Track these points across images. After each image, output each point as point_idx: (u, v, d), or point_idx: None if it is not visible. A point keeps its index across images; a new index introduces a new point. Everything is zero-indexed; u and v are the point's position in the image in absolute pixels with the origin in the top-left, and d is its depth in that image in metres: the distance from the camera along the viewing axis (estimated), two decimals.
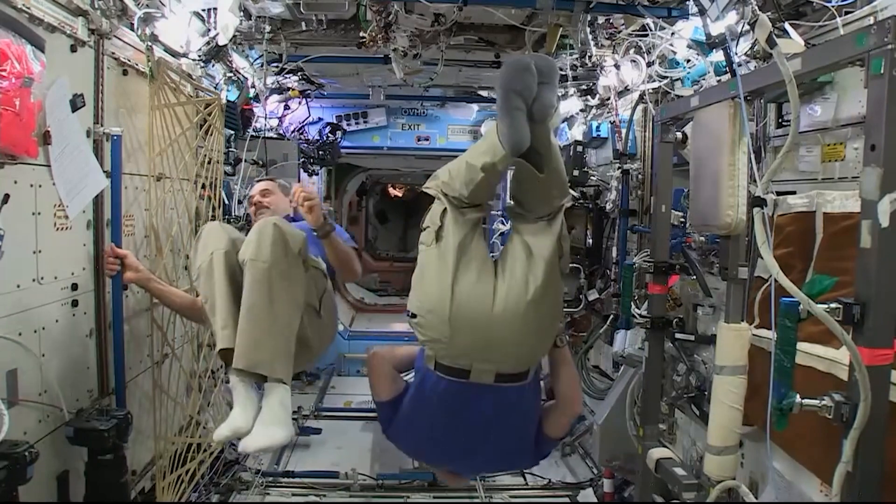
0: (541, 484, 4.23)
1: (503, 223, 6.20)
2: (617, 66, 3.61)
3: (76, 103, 2.30)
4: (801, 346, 1.58)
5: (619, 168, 3.93)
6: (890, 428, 1.41)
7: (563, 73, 3.90)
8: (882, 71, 1.34)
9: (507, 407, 2.16)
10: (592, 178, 4.47)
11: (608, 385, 4.25)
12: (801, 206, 2.18)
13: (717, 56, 2.74)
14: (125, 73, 2.80)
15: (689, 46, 3.04)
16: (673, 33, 3.07)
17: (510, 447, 2.28)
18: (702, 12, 2.44)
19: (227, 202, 4.19)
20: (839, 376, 1.75)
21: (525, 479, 4.29)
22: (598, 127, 4.37)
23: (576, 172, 4.39)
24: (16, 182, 2.03)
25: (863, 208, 1.39)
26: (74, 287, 2.42)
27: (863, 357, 1.37)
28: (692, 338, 2.84)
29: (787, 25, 2.12)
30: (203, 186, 3.62)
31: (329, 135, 5.91)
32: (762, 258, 1.65)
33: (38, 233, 2.17)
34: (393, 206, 12.10)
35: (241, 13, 3.24)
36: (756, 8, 1.87)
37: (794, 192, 2.30)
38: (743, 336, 2.05)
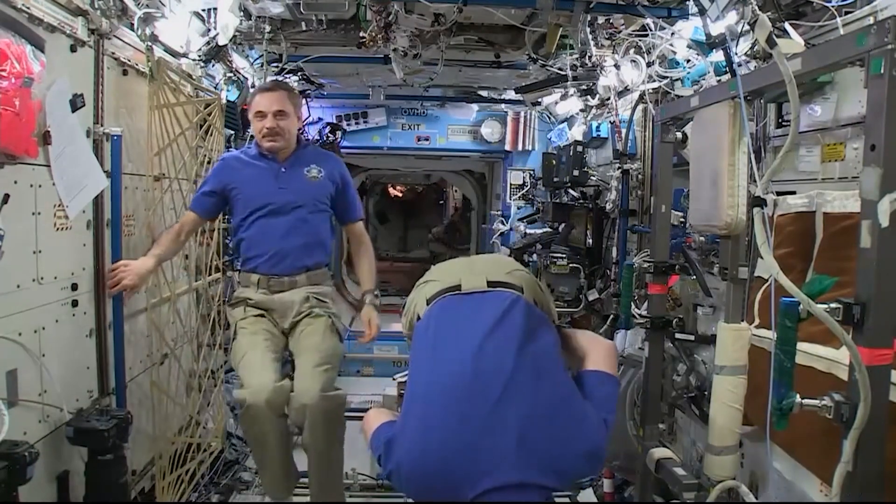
0: None
1: (503, 223, 6.21)
2: (617, 66, 3.61)
3: (76, 103, 2.30)
4: (801, 346, 1.58)
5: (619, 168, 3.93)
6: (890, 428, 1.41)
7: (563, 73, 3.91)
8: (882, 71, 1.34)
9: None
10: (592, 178, 4.47)
11: None
12: (801, 206, 2.18)
13: (717, 56, 2.74)
14: (125, 73, 2.80)
15: (689, 46, 3.04)
16: (673, 33, 3.07)
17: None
18: (702, 12, 2.44)
19: None
20: (839, 376, 1.75)
21: None
22: (598, 127, 4.36)
23: (576, 172, 4.39)
24: (16, 182, 2.03)
25: (863, 208, 1.39)
26: (74, 287, 2.42)
27: (863, 357, 1.37)
28: (692, 338, 2.84)
29: (787, 25, 2.12)
30: None
31: (329, 135, 5.91)
32: (762, 258, 1.65)
33: (38, 233, 2.17)
34: (393, 206, 12.11)
35: (241, 13, 3.25)
36: (756, 8, 1.86)
37: (794, 192, 2.30)
38: (743, 336, 2.05)
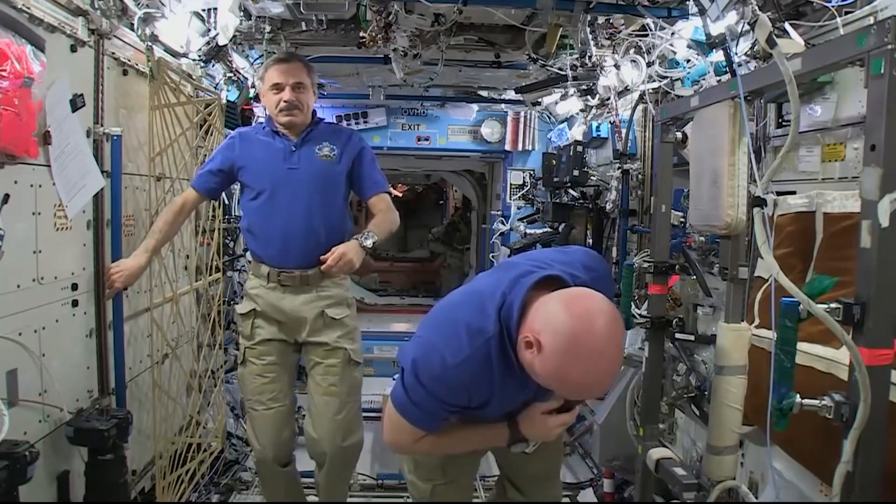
0: None
1: (503, 223, 6.21)
2: (617, 66, 3.61)
3: (76, 103, 2.30)
4: (801, 346, 1.58)
5: (619, 168, 3.93)
6: (890, 428, 1.41)
7: (563, 73, 3.90)
8: (882, 71, 1.34)
9: None
10: (592, 178, 4.47)
11: None
12: (801, 206, 2.18)
13: (717, 56, 2.74)
14: (125, 73, 2.80)
15: (689, 46, 3.04)
16: (673, 33, 3.07)
17: None
18: (702, 12, 2.44)
19: (227, 202, 4.19)
20: (839, 376, 1.75)
21: None
22: (598, 127, 4.36)
23: (576, 172, 4.39)
24: (16, 182, 2.03)
25: (863, 208, 1.39)
26: (74, 287, 2.42)
27: (863, 357, 1.37)
28: (692, 338, 2.84)
29: (787, 25, 2.12)
30: None
31: None
32: (762, 258, 1.65)
33: (38, 233, 2.17)
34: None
35: (241, 13, 3.24)
36: (756, 8, 1.87)
37: (794, 192, 2.29)
38: (743, 336, 2.05)
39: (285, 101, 2.61)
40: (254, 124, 2.92)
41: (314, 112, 2.77)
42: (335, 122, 5.99)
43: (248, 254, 2.93)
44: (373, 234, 2.60)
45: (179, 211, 2.79)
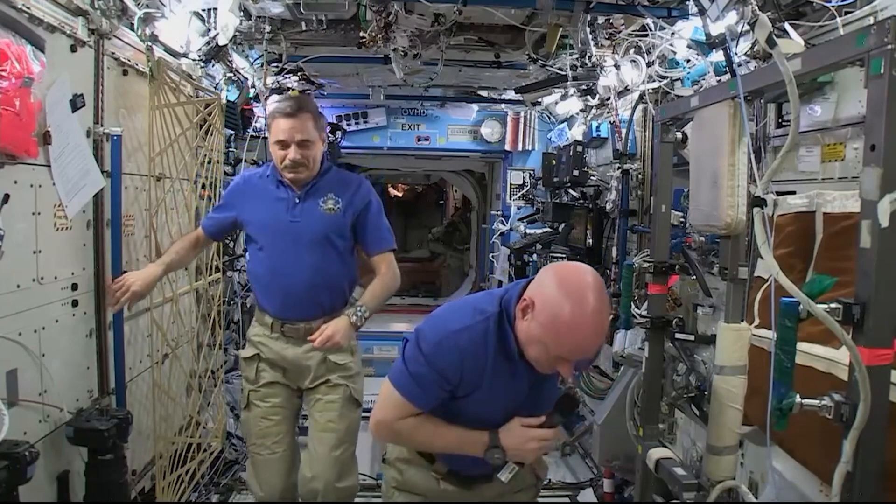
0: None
1: (503, 223, 6.21)
2: (617, 66, 3.61)
3: (76, 103, 2.30)
4: (801, 346, 1.58)
5: (619, 168, 3.93)
6: (890, 428, 1.41)
7: (563, 73, 3.91)
8: (882, 71, 1.34)
9: None
10: (592, 178, 4.47)
11: (608, 385, 4.25)
12: (801, 206, 2.18)
13: (717, 56, 2.74)
14: (125, 73, 2.80)
15: (689, 46, 3.04)
16: (673, 33, 3.07)
17: None
18: (702, 12, 2.44)
19: None
20: (839, 376, 1.75)
21: None
22: (598, 127, 4.36)
23: (576, 172, 4.39)
24: (16, 182, 2.03)
25: (863, 208, 1.39)
26: (74, 287, 2.42)
27: (863, 357, 1.37)
28: (692, 338, 2.84)
29: (787, 25, 2.12)
30: (203, 186, 3.63)
31: (329, 135, 5.91)
32: (762, 258, 1.65)
33: (38, 233, 2.17)
34: (393, 206, 12.10)
35: (241, 13, 3.24)
36: (756, 8, 1.87)
37: (794, 192, 2.29)
38: (743, 336, 2.05)
39: (290, 160, 2.52)
40: (262, 166, 2.82)
41: (323, 159, 2.66)
42: (335, 122, 6.01)
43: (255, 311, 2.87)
44: (366, 309, 2.55)
45: (194, 244, 2.79)
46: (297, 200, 2.60)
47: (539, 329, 1.60)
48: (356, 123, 6.09)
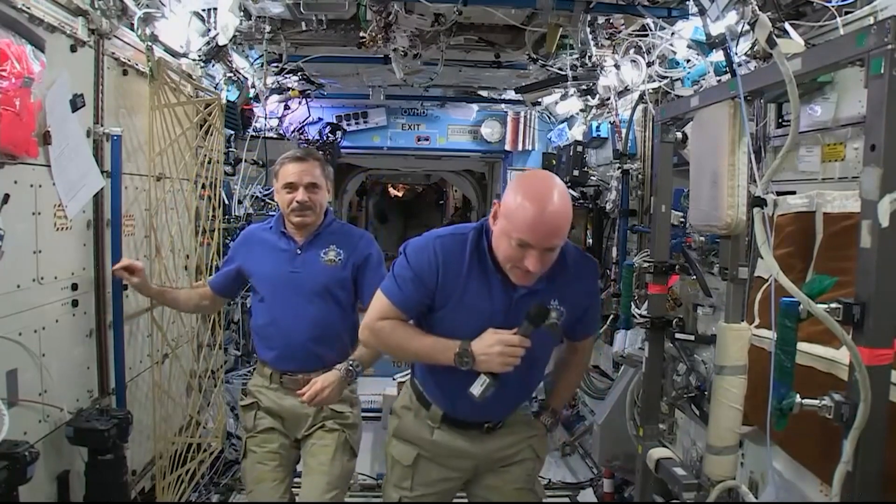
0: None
1: None
2: (617, 66, 3.61)
3: (76, 103, 2.30)
4: (801, 346, 1.58)
5: (619, 168, 3.93)
6: (890, 428, 1.41)
7: (563, 73, 3.91)
8: (882, 71, 1.34)
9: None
10: (592, 178, 4.47)
11: (608, 385, 4.25)
12: (801, 206, 2.18)
13: (717, 56, 2.74)
14: (125, 73, 2.81)
15: (689, 46, 3.04)
16: (673, 33, 3.07)
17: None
18: (702, 12, 2.44)
19: (227, 202, 4.19)
20: (839, 376, 1.75)
21: None
22: (598, 127, 4.37)
23: (576, 172, 4.39)
24: (16, 182, 2.03)
25: (863, 208, 1.39)
26: (74, 287, 2.42)
27: (863, 357, 1.37)
28: (692, 338, 2.84)
29: (787, 25, 2.12)
30: (203, 186, 3.63)
31: (329, 135, 5.91)
32: (762, 258, 1.65)
33: (38, 233, 2.17)
34: (393, 206, 12.10)
35: (241, 13, 3.24)
36: (756, 8, 1.87)
37: (794, 192, 2.29)
38: (743, 336, 2.05)
39: (298, 202, 2.50)
40: (266, 220, 2.80)
41: (327, 212, 2.65)
42: (335, 122, 6.01)
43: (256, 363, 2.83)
44: (358, 363, 2.50)
45: (199, 294, 2.76)
46: (299, 251, 2.58)
47: (502, 221, 1.78)
48: (356, 123, 6.10)
